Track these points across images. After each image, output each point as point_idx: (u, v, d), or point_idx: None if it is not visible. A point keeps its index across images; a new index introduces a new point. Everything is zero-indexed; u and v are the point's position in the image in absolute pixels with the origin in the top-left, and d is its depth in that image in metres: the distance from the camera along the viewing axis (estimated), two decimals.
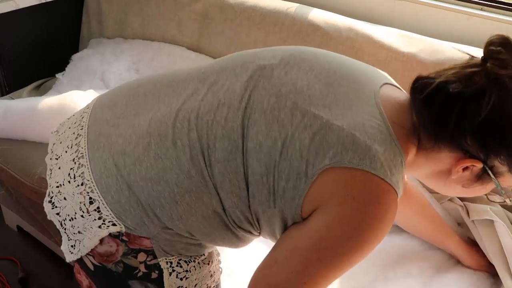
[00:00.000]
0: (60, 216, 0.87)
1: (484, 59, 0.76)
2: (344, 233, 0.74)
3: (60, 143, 0.91)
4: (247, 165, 0.78)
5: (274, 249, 0.80)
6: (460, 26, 1.47)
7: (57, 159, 0.89)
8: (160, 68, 1.85)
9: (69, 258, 0.88)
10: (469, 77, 0.75)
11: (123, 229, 0.82)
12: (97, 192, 0.82)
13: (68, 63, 2.00)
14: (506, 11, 1.43)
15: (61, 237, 0.90)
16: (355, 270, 1.17)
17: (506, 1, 1.44)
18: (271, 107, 0.79)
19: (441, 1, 1.51)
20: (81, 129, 0.89)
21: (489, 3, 1.45)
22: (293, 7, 1.59)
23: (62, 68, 2.01)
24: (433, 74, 0.80)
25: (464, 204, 1.24)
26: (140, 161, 0.81)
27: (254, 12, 1.62)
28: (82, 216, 0.83)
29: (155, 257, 0.84)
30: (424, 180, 0.89)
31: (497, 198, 0.88)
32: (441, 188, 0.87)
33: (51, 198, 0.88)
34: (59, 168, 0.88)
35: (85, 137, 0.87)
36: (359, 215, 0.73)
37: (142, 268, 0.85)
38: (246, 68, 0.85)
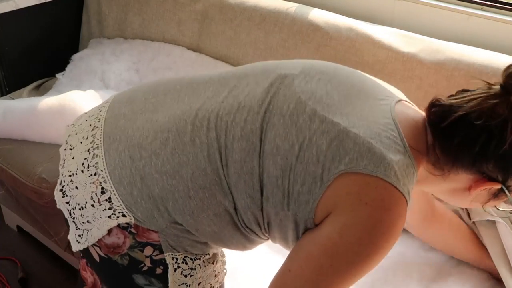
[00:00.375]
0: (69, 205, 0.88)
1: (505, 89, 0.79)
2: (356, 240, 0.75)
3: (76, 134, 0.93)
4: (263, 167, 0.80)
5: (288, 259, 0.81)
6: (460, 26, 1.47)
7: (71, 149, 0.91)
8: (160, 68, 1.85)
9: (75, 247, 0.89)
10: (492, 108, 0.78)
11: (132, 221, 0.83)
12: (109, 183, 0.84)
13: (68, 63, 2.00)
14: (506, 11, 1.43)
15: (68, 227, 0.91)
16: None
17: (506, 1, 1.44)
18: (290, 112, 0.81)
19: (441, 1, 1.51)
20: (98, 121, 0.91)
21: (489, 3, 1.45)
22: (293, 7, 1.59)
23: (62, 68, 2.01)
24: (452, 100, 0.83)
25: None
26: (157, 154, 0.84)
27: (254, 12, 1.62)
28: (92, 205, 0.85)
29: (161, 252, 0.85)
30: (437, 194, 0.92)
31: (506, 208, 0.92)
32: (454, 201, 0.90)
33: (63, 186, 0.90)
34: (73, 158, 0.89)
35: (101, 129, 0.89)
36: (371, 221, 0.75)
37: (148, 263, 0.86)
38: (267, 76, 0.88)
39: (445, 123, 0.80)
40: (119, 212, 0.83)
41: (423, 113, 0.86)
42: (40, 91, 1.98)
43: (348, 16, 1.55)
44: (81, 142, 0.90)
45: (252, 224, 0.85)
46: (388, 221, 0.76)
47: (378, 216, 0.75)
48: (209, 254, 0.90)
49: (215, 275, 0.93)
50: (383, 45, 1.41)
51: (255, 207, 0.82)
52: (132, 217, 0.83)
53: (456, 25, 1.48)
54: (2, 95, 2.02)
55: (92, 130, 0.91)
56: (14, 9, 1.92)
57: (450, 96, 0.85)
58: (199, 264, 0.88)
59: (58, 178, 0.92)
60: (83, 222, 0.87)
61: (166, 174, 0.83)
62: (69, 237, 0.90)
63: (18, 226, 1.97)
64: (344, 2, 1.67)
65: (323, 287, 0.77)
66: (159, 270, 0.86)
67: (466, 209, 1.22)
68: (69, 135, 0.95)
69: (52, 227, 1.68)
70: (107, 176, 0.84)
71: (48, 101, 1.62)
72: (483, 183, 0.82)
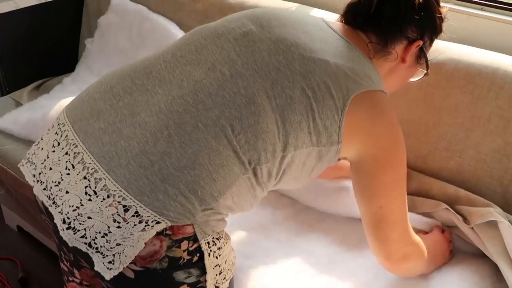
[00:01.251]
0: (86, 238, 0.83)
1: None
2: (392, 142, 0.95)
3: (50, 169, 0.88)
4: (282, 119, 0.88)
5: (365, 204, 0.98)
6: (460, 26, 1.47)
7: (57, 185, 0.87)
8: None
9: (109, 275, 0.83)
10: None
11: (168, 224, 0.82)
12: (130, 198, 0.81)
13: (68, 62, 2.00)
14: (506, 11, 1.43)
15: (85, 261, 0.86)
16: (356, 269, 1.18)
17: (506, 1, 1.44)
18: (283, 64, 0.89)
19: (441, 1, 1.50)
20: (76, 147, 0.87)
21: (489, 3, 1.45)
22: (293, 7, 1.59)
23: (62, 68, 2.01)
24: None
25: (460, 211, 1.23)
26: (168, 154, 0.83)
27: None
28: (118, 227, 0.81)
29: (195, 241, 0.85)
30: (389, 87, 1.02)
31: (420, 74, 1.11)
32: (399, 79, 1.08)
33: (69, 224, 0.85)
34: (67, 192, 0.85)
35: (87, 153, 0.86)
36: (390, 123, 0.95)
37: (185, 256, 0.85)
38: (226, 39, 0.93)
39: (372, 9, 0.98)
40: (152, 221, 0.81)
41: (341, 24, 1.02)
42: (40, 91, 1.98)
43: None
44: (68, 174, 0.86)
45: (265, 178, 0.91)
46: (394, 114, 0.96)
47: (390, 117, 0.95)
48: (224, 230, 0.93)
49: (232, 249, 0.96)
50: None
51: (276, 158, 0.89)
52: (166, 220, 0.82)
53: (456, 25, 1.48)
54: (2, 95, 2.02)
55: (75, 158, 0.86)
56: (14, 9, 1.92)
57: None
58: (223, 242, 0.91)
59: (55, 219, 0.87)
60: (111, 247, 0.82)
61: (186, 168, 0.83)
62: (96, 268, 0.83)
63: (18, 226, 1.97)
64: (344, 2, 1.67)
65: (403, 190, 0.97)
66: (195, 259, 0.87)
67: (462, 215, 1.22)
68: (40, 173, 0.90)
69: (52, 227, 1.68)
70: (124, 194, 0.82)
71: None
72: (410, 47, 1.01)
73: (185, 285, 0.87)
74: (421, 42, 1.01)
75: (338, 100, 0.89)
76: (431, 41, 1.06)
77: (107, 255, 0.83)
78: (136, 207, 0.81)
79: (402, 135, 0.96)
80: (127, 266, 0.83)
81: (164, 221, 0.82)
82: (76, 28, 2.15)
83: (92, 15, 2.08)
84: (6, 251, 1.89)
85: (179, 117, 0.85)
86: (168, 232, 0.83)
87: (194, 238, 0.85)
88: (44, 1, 2.00)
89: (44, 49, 2.09)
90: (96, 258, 0.83)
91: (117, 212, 0.82)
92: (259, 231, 1.28)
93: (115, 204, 0.82)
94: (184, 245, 0.85)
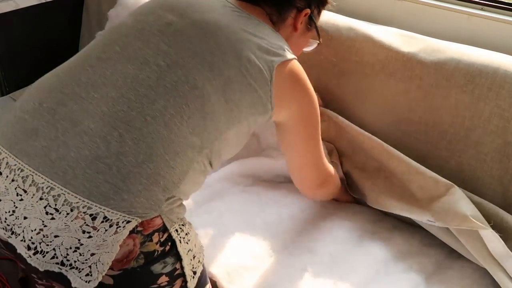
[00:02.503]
0: (57, 257, 0.82)
1: None
2: (309, 104, 1.08)
3: (0, 201, 0.86)
4: (225, 99, 0.94)
5: (293, 155, 1.15)
6: (460, 26, 1.47)
7: (12, 214, 0.84)
8: None
9: (90, 287, 0.82)
10: None
11: (138, 220, 0.84)
12: (95, 205, 0.82)
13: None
14: (506, 11, 1.43)
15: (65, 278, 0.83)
16: (357, 265, 1.19)
17: (506, 1, 1.44)
18: (215, 47, 0.95)
19: (441, 1, 1.51)
20: (22, 171, 0.85)
21: (489, 3, 1.45)
22: None
23: None
24: None
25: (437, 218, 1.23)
26: (123, 153, 0.85)
27: None
28: (90, 236, 0.81)
29: (164, 232, 0.88)
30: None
31: (314, 44, 1.25)
32: (296, 45, 1.17)
33: (35, 249, 0.82)
34: (25, 218, 0.83)
35: (36, 174, 0.84)
36: (308, 87, 1.07)
37: (158, 248, 0.88)
38: (150, 32, 0.97)
39: None
40: (122, 222, 0.82)
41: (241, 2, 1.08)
42: None
43: (348, 16, 1.54)
44: (21, 200, 0.84)
45: (215, 156, 0.98)
46: (307, 77, 1.08)
47: (306, 81, 1.07)
48: (185, 216, 0.97)
49: (196, 233, 1.00)
50: (383, 45, 1.41)
51: (223, 134, 0.96)
52: (136, 218, 0.83)
53: (456, 25, 1.48)
54: (2, 95, 2.02)
55: (24, 182, 0.84)
56: (14, 9, 1.92)
57: None
58: (188, 228, 0.95)
59: (18, 249, 0.84)
60: (86, 260, 0.82)
61: (144, 162, 0.85)
62: (74, 285, 0.82)
63: None
64: (344, 2, 1.67)
65: (319, 137, 1.14)
66: (167, 248, 0.89)
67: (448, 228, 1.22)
68: None
69: None
70: (88, 203, 0.82)
71: None
72: (299, 15, 1.12)
73: (163, 275, 0.89)
74: (308, 11, 1.13)
75: (266, 72, 0.98)
76: (319, 11, 1.19)
77: (82, 269, 0.82)
78: (103, 212, 0.82)
79: (315, 94, 1.10)
80: (105, 274, 0.83)
81: (134, 218, 0.83)
82: (76, 28, 2.15)
83: (92, 15, 2.08)
84: None
85: (126, 116, 0.86)
86: (139, 228, 0.85)
87: (163, 229, 0.88)
88: (44, 1, 2.00)
89: (44, 49, 2.09)
90: (71, 275, 0.82)
91: (85, 222, 0.81)
92: (264, 230, 1.29)
93: (81, 215, 0.81)
94: (156, 237, 0.87)
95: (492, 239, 1.11)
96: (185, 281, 0.92)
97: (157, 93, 0.89)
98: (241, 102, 0.97)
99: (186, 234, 0.93)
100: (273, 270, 1.18)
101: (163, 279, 0.89)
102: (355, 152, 1.42)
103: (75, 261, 0.82)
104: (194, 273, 0.94)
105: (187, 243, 0.92)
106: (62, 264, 0.82)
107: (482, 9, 1.46)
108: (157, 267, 0.88)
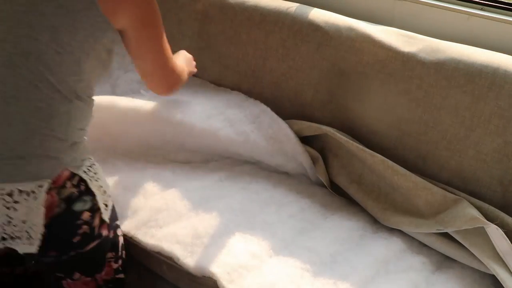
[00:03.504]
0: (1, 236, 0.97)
1: None
2: (147, 4, 1.08)
3: None
4: (61, 46, 0.97)
5: (144, 59, 1.16)
6: (460, 26, 1.47)
7: None
8: None
9: (35, 248, 0.98)
10: None
11: (49, 181, 0.97)
12: (7, 185, 0.94)
13: None
14: (506, 11, 1.43)
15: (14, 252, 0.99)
16: (357, 265, 1.19)
17: (506, 1, 1.44)
18: (24, 5, 0.95)
19: (441, 1, 1.51)
20: None
21: (489, 3, 1.45)
22: (293, 7, 1.59)
23: None
24: None
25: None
26: (3, 139, 0.95)
27: (254, 12, 1.62)
28: (15, 209, 0.95)
29: (74, 177, 1.02)
30: None
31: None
32: None
33: None
34: None
35: None
36: None
37: (74, 190, 1.02)
38: None
39: None
40: (37, 188, 0.96)
41: None
42: None
43: (348, 16, 1.55)
44: None
45: (86, 90, 1.05)
46: None
47: None
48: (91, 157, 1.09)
49: (102, 171, 1.12)
50: (383, 45, 1.41)
51: (82, 69, 1.01)
52: (47, 180, 0.97)
53: (456, 25, 1.48)
54: None
55: None
56: None
57: None
58: (95, 168, 1.08)
59: None
60: (21, 228, 0.97)
61: (28, 132, 0.96)
62: (21, 251, 0.99)
63: None
64: (344, 2, 1.67)
65: (164, 38, 1.17)
66: (83, 187, 1.03)
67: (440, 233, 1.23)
68: None
69: None
70: (0, 185, 0.94)
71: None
72: None
73: (85, 211, 1.04)
74: None
75: None
76: None
77: (21, 235, 0.97)
78: (17, 188, 0.95)
79: None
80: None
81: (45, 181, 0.97)
82: None
83: None
84: None
85: None
86: (52, 186, 0.98)
87: (73, 175, 1.01)
88: None
89: None
90: (15, 245, 0.98)
91: (6, 200, 0.95)
92: (264, 229, 1.29)
93: (1, 196, 0.94)
94: (69, 184, 1.01)
95: (498, 236, 1.12)
96: (101, 213, 1.07)
97: (2, 69, 0.96)
98: (79, 38, 0.99)
99: (95, 173, 1.06)
100: (273, 269, 1.18)
101: (86, 215, 1.04)
102: (352, 165, 1.43)
103: (12, 232, 0.97)
104: (106, 205, 1.09)
105: (97, 180, 1.06)
106: (4, 239, 0.97)
107: (482, 9, 1.46)
108: (78, 206, 1.02)
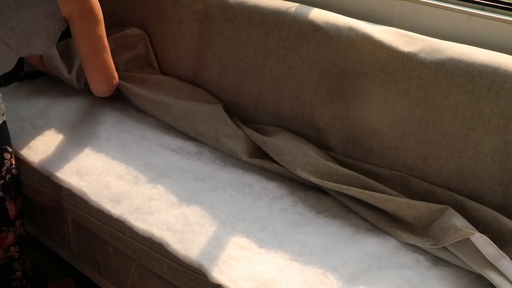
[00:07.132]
0: None
1: None
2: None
3: None
4: (17, 8, 1.36)
5: (86, 44, 1.50)
6: (460, 26, 1.47)
7: None
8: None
9: None
10: None
11: None
12: None
13: None
14: (506, 11, 1.43)
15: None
16: (348, 258, 1.19)
17: (506, 1, 1.44)
18: None
19: (441, 1, 1.51)
20: None
21: (489, 3, 1.45)
22: (293, 7, 1.59)
23: None
24: None
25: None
26: None
27: (254, 12, 1.62)
28: None
29: None
30: None
31: None
32: None
33: None
34: None
35: None
36: None
37: None
38: None
39: None
40: None
41: None
42: None
43: (348, 16, 1.55)
44: None
45: (14, 44, 1.39)
46: None
47: None
48: None
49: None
50: (383, 45, 1.41)
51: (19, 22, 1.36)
52: None
53: (456, 25, 1.48)
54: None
55: None
56: None
57: None
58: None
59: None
60: None
61: None
62: None
63: None
64: (344, 2, 1.67)
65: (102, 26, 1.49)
66: None
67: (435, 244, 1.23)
68: None
69: (52, 227, 1.68)
70: None
71: None
72: None
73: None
74: None
75: None
76: None
77: None
78: None
79: None
80: None
81: None
82: None
83: None
84: None
85: None
86: None
87: None
88: None
89: None
90: None
91: None
92: (255, 222, 1.29)
93: None
94: None
95: (484, 243, 1.13)
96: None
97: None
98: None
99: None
100: (262, 260, 1.18)
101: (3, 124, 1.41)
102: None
103: None
104: (3, 114, 1.41)
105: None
106: None
107: (482, 9, 1.46)
108: None
